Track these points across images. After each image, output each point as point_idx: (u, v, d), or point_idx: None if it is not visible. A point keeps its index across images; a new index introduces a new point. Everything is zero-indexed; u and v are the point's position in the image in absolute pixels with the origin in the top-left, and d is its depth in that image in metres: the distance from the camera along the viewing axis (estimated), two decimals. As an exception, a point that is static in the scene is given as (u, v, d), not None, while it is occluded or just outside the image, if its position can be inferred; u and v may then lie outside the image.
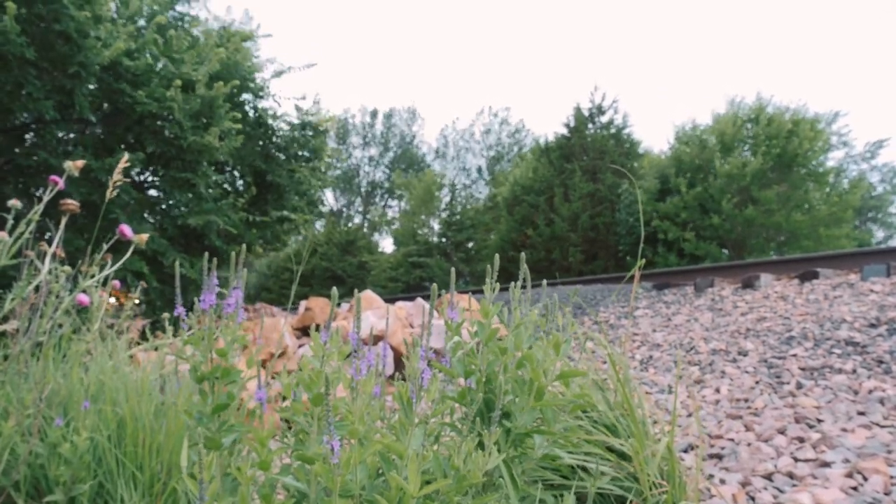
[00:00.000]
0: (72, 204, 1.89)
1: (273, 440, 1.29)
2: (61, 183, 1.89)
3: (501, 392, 1.05)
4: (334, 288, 1.14)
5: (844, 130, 19.94)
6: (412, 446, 0.96)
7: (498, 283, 1.38)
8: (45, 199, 1.84)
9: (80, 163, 1.92)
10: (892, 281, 4.30)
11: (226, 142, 6.79)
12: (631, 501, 1.39)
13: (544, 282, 1.53)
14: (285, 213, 8.14)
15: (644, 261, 1.69)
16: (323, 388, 0.89)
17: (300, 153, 8.38)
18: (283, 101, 8.28)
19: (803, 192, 14.65)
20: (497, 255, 1.41)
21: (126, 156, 2.06)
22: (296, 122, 8.28)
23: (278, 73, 8.07)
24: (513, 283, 1.39)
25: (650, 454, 1.40)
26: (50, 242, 1.86)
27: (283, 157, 8.26)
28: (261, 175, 8.13)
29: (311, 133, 8.34)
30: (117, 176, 1.95)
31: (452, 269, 1.38)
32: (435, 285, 1.21)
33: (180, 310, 1.20)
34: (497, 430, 1.03)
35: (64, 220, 1.89)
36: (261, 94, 7.92)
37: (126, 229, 1.99)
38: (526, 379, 1.27)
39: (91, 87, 6.00)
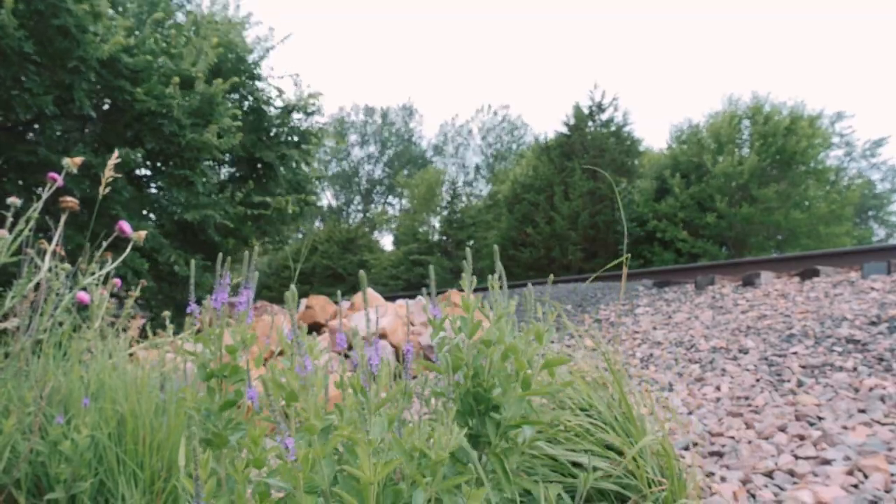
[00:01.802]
0: (71, 201, 1.89)
1: (271, 439, 1.29)
2: (60, 180, 1.89)
3: (486, 382, 1.04)
4: (338, 292, 1.14)
5: (847, 130, 19.94)
6: (372, 435, 0.97)
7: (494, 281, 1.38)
8: (44, 196, 1.84)
9: (79, 160, 1.91)
10: (892, 279, 4.30)
11: (224, 139, 6.79)
12: (631, 499, 1.39)
13: (550, 276, 1.53)
14: (268, 199, 8.06)
15: (629, 256, 1.69)
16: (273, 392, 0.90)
17: (290, 137, 8.38)
18: (274, 80, 8.30)
19: (803, 189, 14.64)
20: (468, 251, 1.41)
21: (116, 152, 2.05)
22: (285, 101, 8.30)
23: (266, 51, 8.09)
24: (490, 277, 1.39)
25: (646, 451, 1.40)
26: (50, 240, 1.86)
27: (275, 138, 8.25)
28: (254, 160, 8.13)
29: (301, 115, 8.34)
30: (109, 172, 1.94)
31: (431, 267, 1.39)
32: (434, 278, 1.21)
33: (193, 307, 1.20)
34: (454, 407, 1.04)
35: (64, 218, 1.88)
36: (253, 75, 7.93)
37: (125, 226, 1.99)
38: (511, 370, 1.28)
39: (91, 81, 5.99)
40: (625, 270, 1.66)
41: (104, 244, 2.00)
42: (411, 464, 0.99)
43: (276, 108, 8.28)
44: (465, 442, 1.20)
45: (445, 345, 1.34)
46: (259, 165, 8.14)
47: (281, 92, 8.27)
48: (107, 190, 1.98)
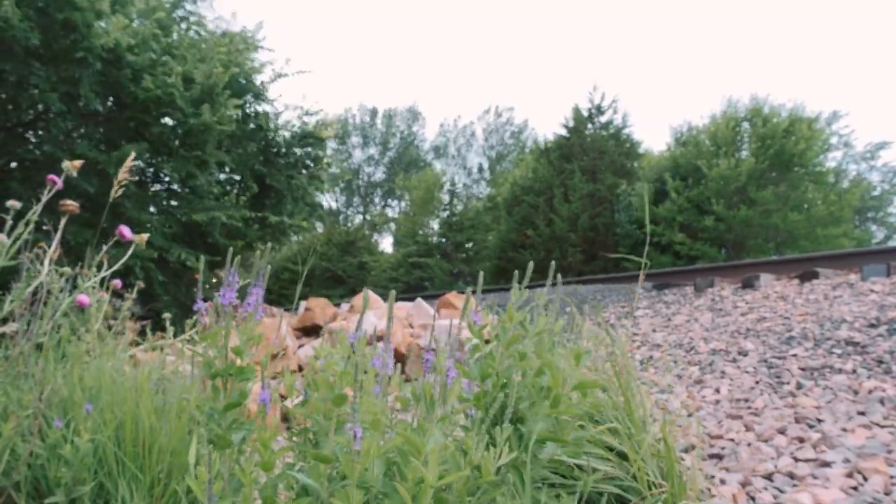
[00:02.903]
0: (71, 205, 1.89)
1: (274, 440, 1.29)
2: (60, 182, 1.88)
3: (514, 395, 1.05)
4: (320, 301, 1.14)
5: (845, 131, 19.95)
6: (432, 442, 0.97)
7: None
8: (44, 199, 1.84)
9: (78, 163, 1.91)
10: (892, 281, 4.30)
11: (224, 121, 6.78)
12: (631, 501, 1.39)
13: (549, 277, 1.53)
14: (284, 218, 8.17)
15: (648, 259, 1.69)
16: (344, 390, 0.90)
17: (299, 160, 8.43)
18: (283, 106, 8.34)
19: (801, 192, 14.64)
20: (530, 265, 1.42)
21: (133, 154, 2.05)
22: (296, 129, 8.34)
23: (275, 78, 8.10)
24: (515, 285, 1.40)
25: (648, 454, 1.40)
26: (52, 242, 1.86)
27: (282, 162, 8.30)
28: (261, 178, 8.16)
29: (311, 141, 8.38)
30: (123, 175, 1.94)
31: (481, 273, 1.39)
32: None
33: (200, 304, 1.20)
34: (508, 427, 1.04)
35: (64, 221, 1.88)
36: (260, 96, 7.96)
37: (125, 230, 1.99)
38: (544, 386, 1.28)
39: (97, 72, 5.99)
40: (642, 274, 1.66)
41: (105, 246, 2.00)
42: (464, 473, 0.99)
43: (287, 131, 8.32)
44: (513, 470, 1.21)
45: (478, 352, 1.34)
46: (267, 185, 8.19)
47: (302, 120, 8.31)
48: (119, 192, 1.98)
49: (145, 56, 6.26)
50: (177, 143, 6.72)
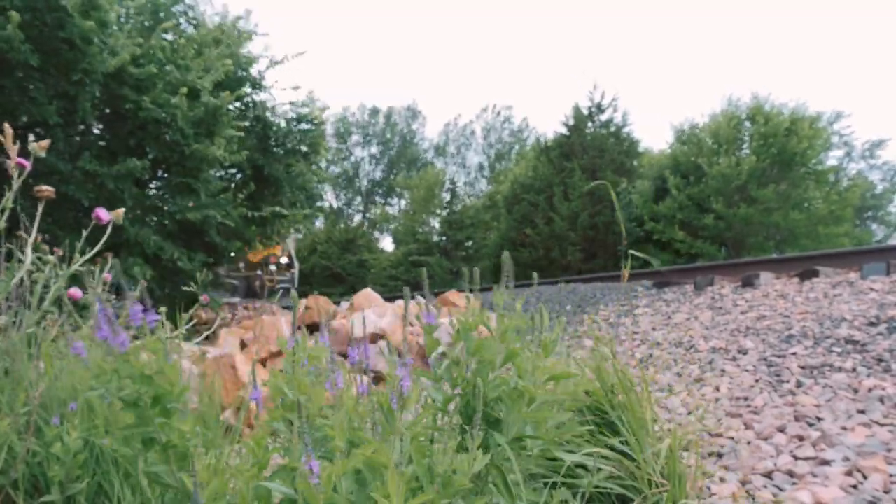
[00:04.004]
0: (47, 190, 1.88)
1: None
2: (29, 165, 1.87)
3: (482, 398, 1.02)
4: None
5: (846, 130, 19.94)
6: (395, 457, 0.95)
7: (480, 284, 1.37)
8: (15, 186, 1.82)
9: (45, 143, 1.91)
10: (891, 279, 4.29)
11: (232, 155, 6.81)
12: (632, 500, 1.38)
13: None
14: (279, 209, 8.14)
15: (640, 261, 1.69)
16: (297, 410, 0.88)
17: (297, 147, 8.42)
18: (280, 92, 8.36)
19: (802, 190, 14.63)
20: (497, 255, 1.40)
21: (44, 143, 2.01)
22: (291, 115, 8.33)
23: (273, 64, 8.07)
24: (495, 286, 1.38)
25: (651, 453, 1.40)
26: (46, 240, 1.85)
27: (280, 151, 8.29)
28: (259, 169, 8.14)
29: (306, 127, 8.38)
30: (42, 148, 1.92)
31: (423, 270, 1.36)
32: (408, 289, 1.19)
33: (102, 319, 1.13)
34: (479, 434, 1.01)
35: (41, 208, 1.87)
36: (258, 86, 7.94)
37: (102, 213, 1.95)
38: (513, 385, 1.25)
39: (95, 92, 5.99)
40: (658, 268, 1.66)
41: (83, 236, 1.98)
42: (431, 495, 0.97)
43: (284, 118, 8.32)
44: (494, 470, 1.19)
45: (445, 359, 1.31)
46: (265, 175, 8.18)
47: (298, 106, 8.29)
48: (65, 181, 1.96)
49: (148, 68, 6.22)
50: (179, 156, 6.70)
